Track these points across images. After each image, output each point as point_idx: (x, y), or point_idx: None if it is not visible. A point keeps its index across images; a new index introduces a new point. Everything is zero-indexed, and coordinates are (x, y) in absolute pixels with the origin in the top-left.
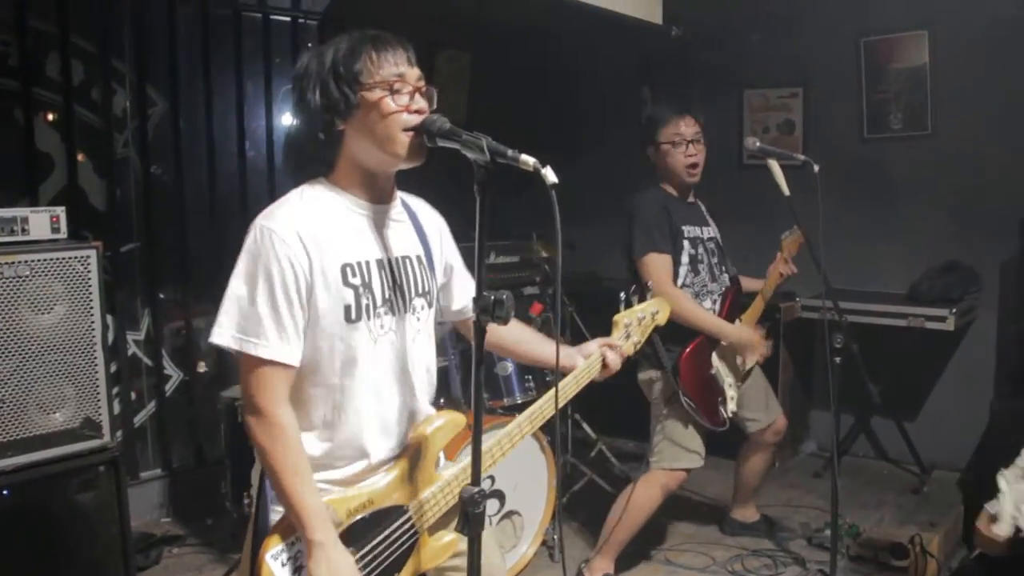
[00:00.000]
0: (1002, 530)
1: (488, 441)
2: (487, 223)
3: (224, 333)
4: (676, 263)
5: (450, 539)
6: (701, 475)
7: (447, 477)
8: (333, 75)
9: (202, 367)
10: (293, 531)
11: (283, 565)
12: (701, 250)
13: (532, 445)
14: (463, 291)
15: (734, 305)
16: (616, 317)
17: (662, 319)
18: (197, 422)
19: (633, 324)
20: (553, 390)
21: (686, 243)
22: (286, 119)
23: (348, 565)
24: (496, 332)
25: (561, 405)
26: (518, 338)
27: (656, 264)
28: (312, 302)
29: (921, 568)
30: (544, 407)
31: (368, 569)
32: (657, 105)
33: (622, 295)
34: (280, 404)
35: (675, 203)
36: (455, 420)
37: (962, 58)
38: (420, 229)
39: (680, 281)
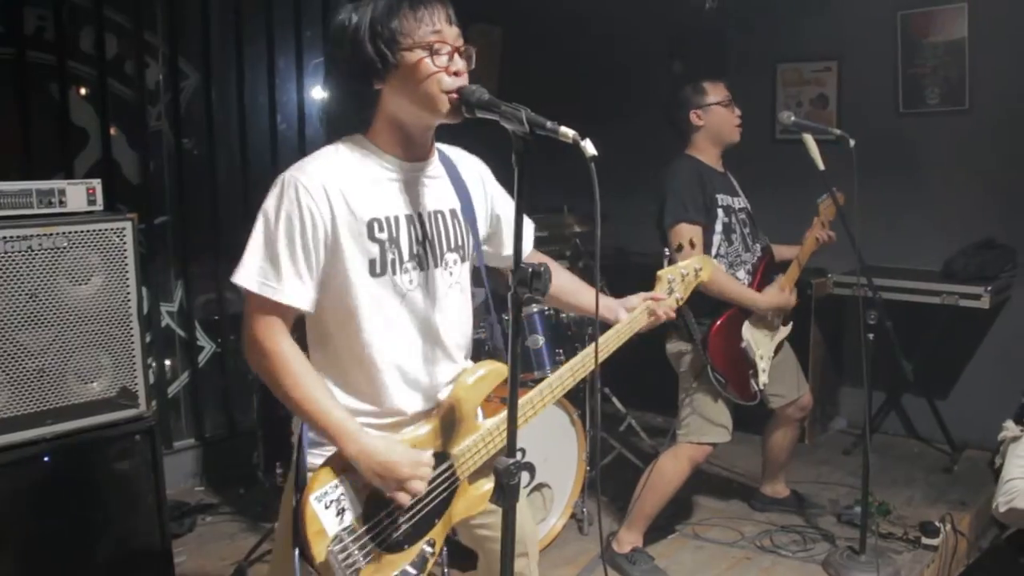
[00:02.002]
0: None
1: (529, 393)
2: (526, 195)
3: (245, 275)
4: (710, 232)
5: (489, 487)
6: (730, 450)
7: (488, 426)
8: (370, 34)
9: None
10: (335, 474)
11: (327, 507)
12: (734, 219)
13: (562, 418)
14: (508, 237)
15: (767, 275)
16: (659, 272)
17: (705, 276)
18: (230, 392)
19: (676, 280)
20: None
21: (720, 211)
22: (317, 92)
23: (395, 452)
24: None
25: (603, 358)
26: (564, 286)
27: (685, 234)
28: (337, 254)
29: (952, 547)
30: (586, 360)
31: (409, 513)
32: (694, 71)
33: (666, 251)
34: (284, 339)
35: (708, 171)
36: (497, 370)
37: (1002, 32)
38: (459, 181)
39: (714, 251)
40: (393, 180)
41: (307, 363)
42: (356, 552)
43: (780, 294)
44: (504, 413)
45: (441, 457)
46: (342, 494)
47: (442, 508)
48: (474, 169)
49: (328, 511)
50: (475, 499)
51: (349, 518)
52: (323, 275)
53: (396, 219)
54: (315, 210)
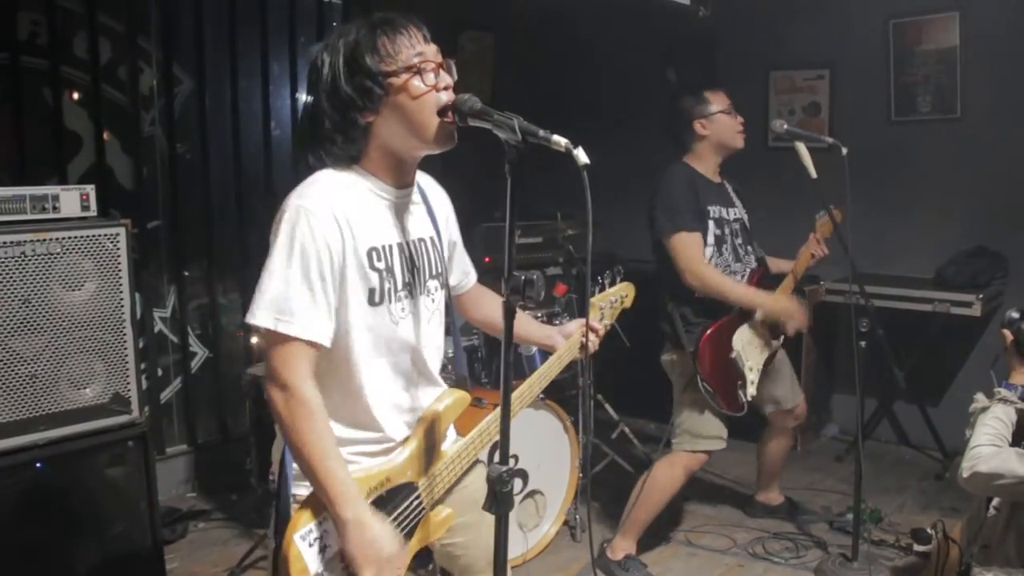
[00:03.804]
0: None
1: (488, 417)
2: (518, 203)
3: (260, 313)
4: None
5: (447, 514)
6: (723, 457)
7: (452, 454)
8: (351, 71)
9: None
10: (321, 509)
11: (311, 546)
12: (726, 231)
13: (555, 425)
14: (460, 266)
15: (761, 285)
16: (593, 300)
17: (628, 302)
18: (222, 398)
19: (607, 307)
20: (538, 372)
21: (711, 223)
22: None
23: (387, 535)
24: (480, 311)
25: (543, 387)
26: (496, 313)
27: (685, 243)
28: (343, 283)
29: (944, 554)
30: (531, 388)
31: None
32: (688, 80)
33: (599, 278)
34: (306, 380)
35: (702, 181)
36: (461, 398)
37: (993, 41)
38: (431, 209)
39: (706, 260)
40: (386, 208)
41: (324, 411)
42: None
43: (785, 300)
44: (466, 440)
45: (409, 488)
46: (325, 531)
47: (409, 536)
48: (441, 199)
49: (312, 548)
50: (435, 525)
51: (330, 552)
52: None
53: (390, 248)
54: (329, 240)
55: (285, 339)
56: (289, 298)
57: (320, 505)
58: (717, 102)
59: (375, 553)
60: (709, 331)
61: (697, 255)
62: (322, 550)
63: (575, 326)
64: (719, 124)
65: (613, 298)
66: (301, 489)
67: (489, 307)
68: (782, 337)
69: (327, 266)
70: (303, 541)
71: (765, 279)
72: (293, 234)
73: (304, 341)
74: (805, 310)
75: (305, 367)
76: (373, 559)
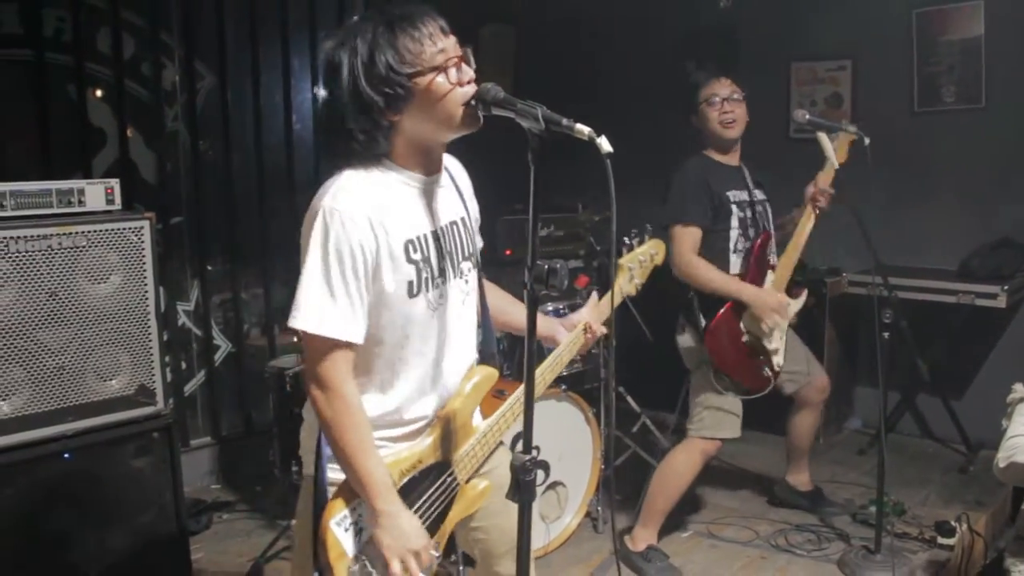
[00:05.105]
0: None
1: (508, 402)
2: (541, 192)
3: (303, 317)
4: (726, 229)
5: (484, 485)
6: (744, 449)
7: (483, 428)
8: (373, 74)
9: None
10: (355, 496)
11: (346, 530)
12: (749, 212)
13: (577, 416)
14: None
15: (760, 261)
16: (620, 261)
17: (660, 260)
18: (246, 391)
19: (636, 267)
20: (549, 359)
21: (734, 207)
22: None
23: (415, 529)
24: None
25: (542, 387)
26: (494, 304)
27: (680, 235)
28: (377, 282)
29: (968, 547)
30: (543, 377)
31: None
32: (700, 73)
33: (624, 239)
34: (346, 378)
35: (716, 169)
36: (489, 375)
37: (1019, 29)
38: (459, 190)
39: (732, 246)
40: (417, 196)
41: (363, 409)
42: (372, 568)
43: (771, 294)
44: (496, 413)
45: (442, 467)
46: (360, 515)
47: (445, 513)
48: (463, 175)
49: (347, 533)
50: (472, 499)
51: (366, 536)
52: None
53: (425, 237)
54: (364, 241)
55: (324, 341)
56: (327, 302)
57: (352, 493)
58: (703, 93)
59: (404, 544)
60: (712, 323)
61: (688, 248)
62: (357, 534)
63: (582, 315)
64: (701, 116)
65: (642, 257)
66: (336, 474)
67: (490, 298)
68: (804, 293)
69: (360, 267)
70: (339, 527)
71: (764, 253)
72: (327, 237)
73: (343, 342)
74: (789, 308)
75: (344, 366)
76: (401, 549)
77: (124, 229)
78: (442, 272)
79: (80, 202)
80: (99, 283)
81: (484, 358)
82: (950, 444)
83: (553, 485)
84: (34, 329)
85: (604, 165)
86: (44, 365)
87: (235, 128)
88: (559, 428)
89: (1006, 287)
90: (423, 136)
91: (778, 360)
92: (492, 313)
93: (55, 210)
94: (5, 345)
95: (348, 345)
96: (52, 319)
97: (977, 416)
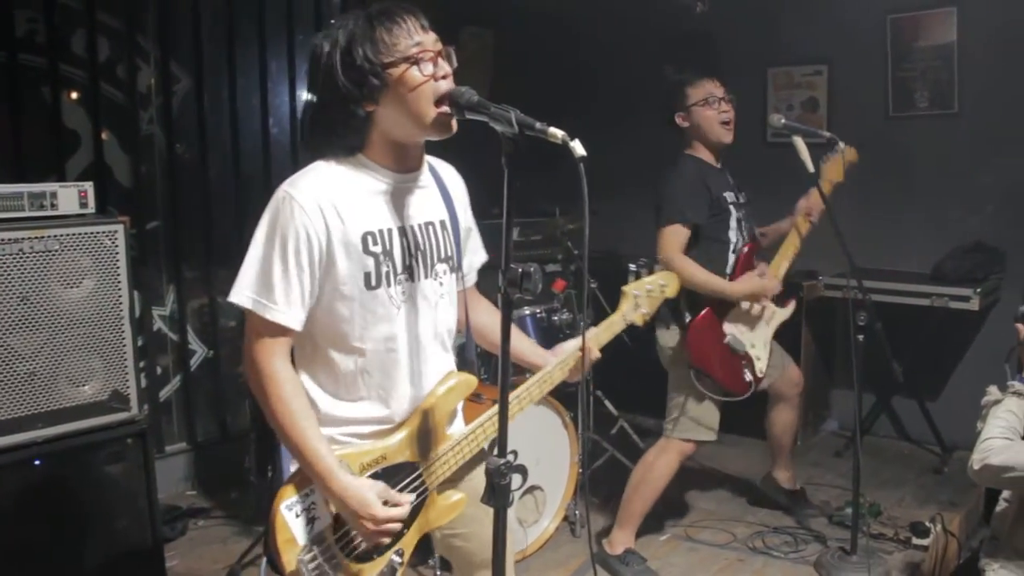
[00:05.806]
0: None
1: (488, 412)
2: (515, 196)
3: (240, 292)
4: (724, 229)
5: (458, 498)
6: (721, 451)
7: (457, 436)
8: (349, 63)
9: None
10: (308, 483)
11: (297, 516)
12: (742, 213)
13: (554, 420)
14: (472, 254)
15: (748, 263)
16: (625, 288)
17: (671, 292)
18: (221, 397)
19: (642, 295)
20: (535, 376)
21: (732, 208)
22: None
23: (367, 488)
24: (472, 315)
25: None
26: (490, 326)
27: (668, 235)
28: (331, 270)
29: (942, 547)
30: (529, 392)
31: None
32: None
33: (631, 267)
34: (279, 361)
35: (709, 171)
36: (467, 381)
37: (991, 36)
38: (446, 193)
39: (732, 246)
40: (386, 192)
41: (300, 389)
42: (325, 562)
43: (752, 280)
44: (473, 423)
45: (410, 467)
46: (312, 503)
47: (411, 518)
48: (457, 182)
49: (298, 520)
50: (443, 509)
51: (319, 526)
52: (317, 291)
53: (389, 231)
54: (310, 227)
55: (264, 322)
56: (266, 282)
57: (305, 479)
58: (695, 93)
59: (367, 510)
60: (696, 320)
61: (676, 248)
62: (309, 522)
63: (571, 346)
64: (696, 116)
65: (650, 287)
66: (294, 465)
67: (482, 314)
68: (792, 304)
69: (305, 254)
70: (289, 512)
71: (751, 257)
72: (276, 220)
73: (275, 324)
74: (776, 316)
75: (278, 348)
76: (367, 512)
77: (98, 233)
78: (407, 269)
79: (53, 205)
80: (72, 288)
81: (462, 364)
82: (925, 445)
83: (531, 489)
84: (4, 334)
85: (577, 168)
86: (14, 371)
87: (211, 131)
88: (536, 432)
89: (979, 290)
90: (397, 131)
91: (760, 366)
92: (482, 332)
93: (27, 213)
94: None
95: (282, 329)
96: (23, 324)
97: (951, 417)
